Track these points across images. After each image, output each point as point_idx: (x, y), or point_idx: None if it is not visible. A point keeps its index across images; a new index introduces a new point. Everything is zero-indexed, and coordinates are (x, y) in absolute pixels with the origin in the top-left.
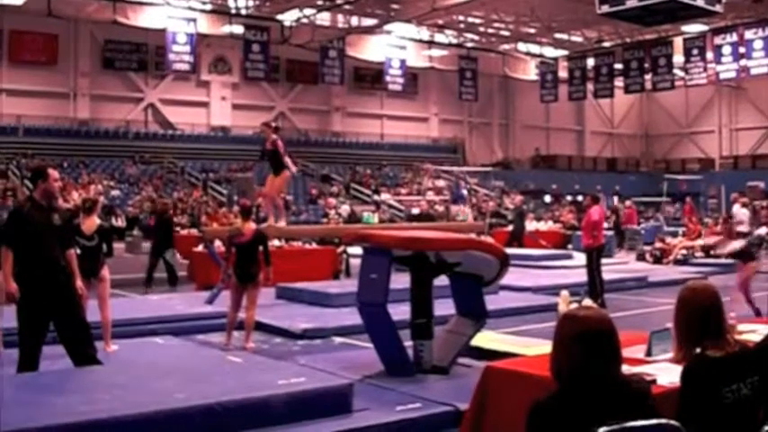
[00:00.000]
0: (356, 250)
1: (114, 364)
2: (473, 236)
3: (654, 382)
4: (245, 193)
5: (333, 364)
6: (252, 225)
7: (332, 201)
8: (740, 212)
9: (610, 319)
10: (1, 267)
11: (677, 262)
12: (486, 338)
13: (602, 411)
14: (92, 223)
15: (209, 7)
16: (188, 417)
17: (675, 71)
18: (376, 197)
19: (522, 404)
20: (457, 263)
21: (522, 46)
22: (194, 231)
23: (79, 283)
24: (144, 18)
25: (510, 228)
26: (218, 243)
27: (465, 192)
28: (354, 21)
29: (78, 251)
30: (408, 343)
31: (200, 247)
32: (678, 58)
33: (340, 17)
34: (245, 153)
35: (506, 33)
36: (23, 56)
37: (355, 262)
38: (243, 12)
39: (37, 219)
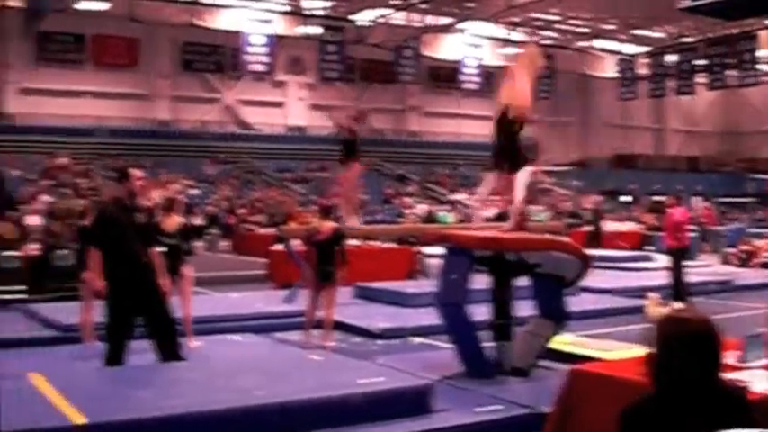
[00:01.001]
0: (432, 250)
1: (196, 360)
2: (552, 236)
3: (747, 389)
4: (324, 191)
5: (411, 363)
6: (330, 224)
7: (408, 200)
8: None
9: (714, 323)
10: (90, 266)
11: (764, 265)
12: (565, 341)
13: (699, 417)
14: (173, 221)
15: (284, 9)
16: (268, 414)
17: (761, 66)
18: (451, 197)
19: (611, 408)
20: (537, 263)
21: (600, 43)
22: (272, 231)
23: (163, 279)
24: (221, 20)
25: (587, 228)
26: (297, 242)
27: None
28: (429, 20)
29: (160, 249)
30: (488, 344)
31: (278, 246)
32: (764, 53)
33: (415, 16)
34: (322, 153)
35: (584, 30)
36: (106, 59)
37: (431, 262)
38: (318, 13)
39: (121, 218)
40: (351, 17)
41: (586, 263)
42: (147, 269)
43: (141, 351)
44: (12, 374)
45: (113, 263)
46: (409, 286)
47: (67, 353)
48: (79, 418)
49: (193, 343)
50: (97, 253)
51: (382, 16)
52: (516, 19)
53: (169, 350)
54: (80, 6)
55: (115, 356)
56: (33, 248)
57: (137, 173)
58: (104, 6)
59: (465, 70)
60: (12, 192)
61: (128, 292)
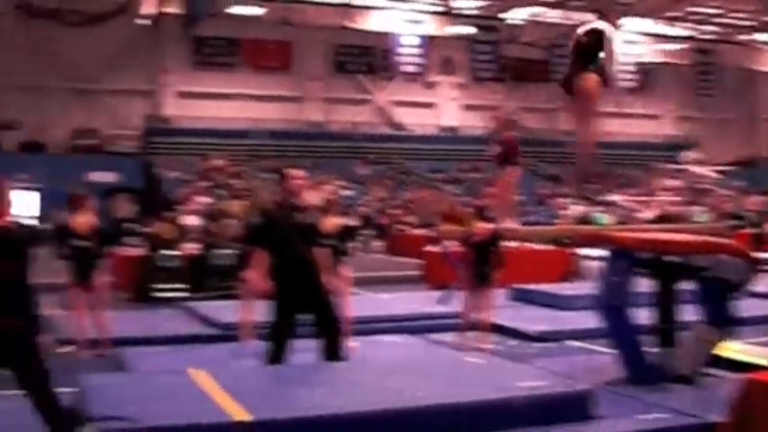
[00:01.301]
0: (590, 252)
1: (354, 360)
2: (717, 238)
3: None
4: (478, 192)
5: (570, 368)
6: (486, 225)
7: (562, 201)
8: None
9: None
10: (251, 266)
11: None
12: (733, 348)
13: None
14: (331, 222)
15: (436, 9)
16: (428, 415)
17: None
18: (607, 198)
19: None
20: (703, 267)
21: (763, 36)
22: (426, 231)
23: (327, 279)
24: (372, 22)
25: (751, 230)
26: (451, 243)
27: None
28: (584, 17)
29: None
30: (651, 349)
31: (433, 247)
32: None
33: (569, 14)
34: (475, 153)
35: (748, 23)
36: (260, 62)
37: (588, 264)
38: (469, 12)
39: (284, 219)
40: (502, 16)
41: (754, 266)
42: (312, 269)
43: (301, 350)
44: (174, 371)
45: (279, 263)
46: (566, 288)
47: (227, 350)
48: (243, 415)
49: (351, 343)
50: (263, 254)
51: (535, 14)
52: (675, 14)
53: (333, 350)
54: (234, 11)
55: (277, 355)
56: (192, 248)
57: (296, 173)
58: (258, 11)
59: (621, 68)
60: (169, 193)
61: (293, 291)
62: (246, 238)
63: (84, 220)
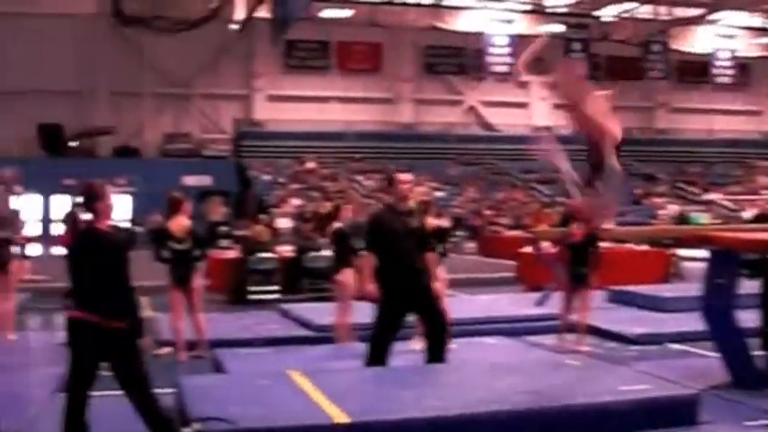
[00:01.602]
0: (690, 252)
1: (453, 362)
2: None
3: None
4: (572, 193)
5: (672, 371)
6: (582, 226)
7: (659, 201)
8: None
9: None
10: (360, 270)
11: None
12: None
13: None
14: (427, 224)
15: (526, 8)
16: (528, 418)
17: None
18: (705, 196)
19: None
20: None
21: None
22: (519, 233)
23: (438, 285)
24: (462, 22)
25: None
26: (546, 244)
27: None
28: (678, 12)
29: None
30: (758, 353)
31: (527, 249)
32: None
33: (662, 9)
34: (569, 153)
35: None
36: (350, 65)
37: (689, 265)
38: (561, 10)
39: (393, 223)
40: (594, 13)
41: None
42: (421, 273)
43: (397, 353)
44: (272, 372)
45: (386, 267)
46: (666, 290)
47: (324, 352)
48: (342, 417)
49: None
50: (370, 258)
51: (627, 11)
52: None
53: (438, 353)
54: (324, 14)
55: (378, 357)
56: (286, 250)
57: (404, 177)
58: (347, 13)
59: (717, 63)
60: (262, 196)
61: (401, 295)
62: (336, 240)
63: (181, 223)
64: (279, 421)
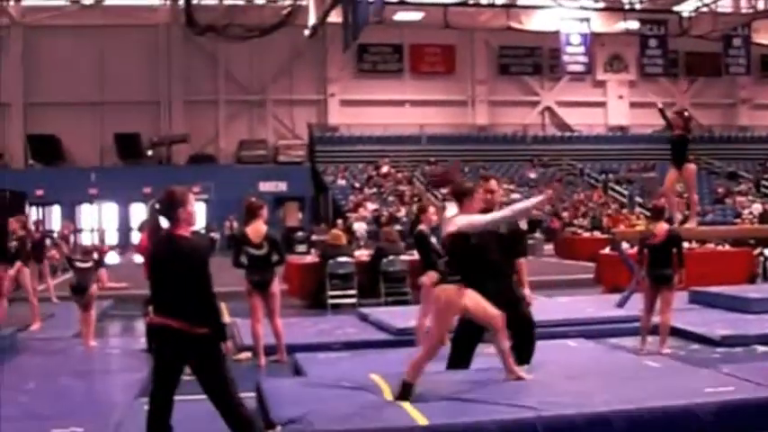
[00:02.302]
0: None
1: (534, 365)
2: None
3: None
4: (650, 193)
5: (759, 374)
6: (664, 225)
7: (742, 200)
8: None
9: None
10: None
11: None
12: None
13: None
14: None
15: (601, 5)
16: (610, 421)
17: None
18: None
19: None
20: None
21: None
22: (597, 234)
23: (528, 291)
24: (536, 22)
25: None
26: (625, 245)
27: None
28: (761, 4)
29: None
30: None
31: (607, 250)
32: None
33: (743, 2)
34: (645, 152)
35: None
36: (423, 67)
37: None
38: (637, 6)
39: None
40: (673, 8)
41: None
42: (508, 279)
43: (481, 355)
44: (352, 376)
45: (472, 272)
46: (751, 291)
47: (404, 356)
48: (421, 420)
49: None
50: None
51: (707, 5)
52: None
53: (525, 354)
54: (397, 17)
55: (460, 360)
56: (363, 254)
57: (490, 184)
58: (419, 16)
59: None
60: (338, 200)
61: (486, 298)
62: (417, 243)
63: (258, 228)
64: (359, 424)
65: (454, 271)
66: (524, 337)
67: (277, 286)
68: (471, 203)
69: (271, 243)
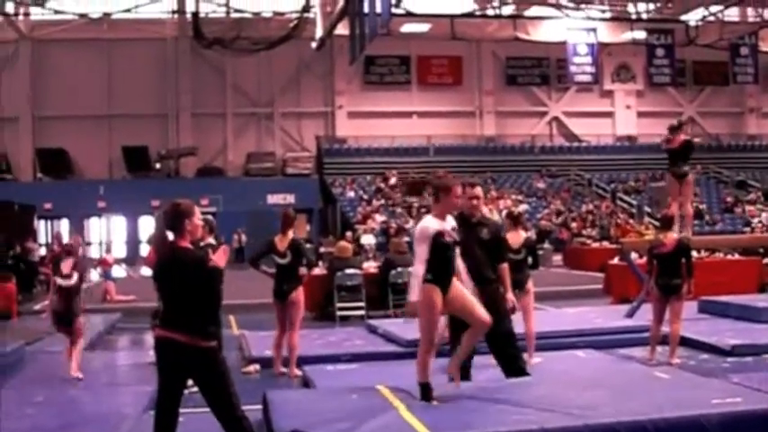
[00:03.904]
0: None
1: (538, 375)
2: None
3: None
4: (659, 203)
5: None
6: (673, 235)
7: (751, 208)
8: None
9: None
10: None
11: None
12: None
13: None
14: (518, 237)
15: (608, 15)
16: None
17: None
18: None
19: None
20: None
21: None
22: (605, 244)
23: (510, 296)
24: (543, 32)
25: None
26: (634, 255)
27: None
28: (767, 13)
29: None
30: None
31: (615, 260)
32: None
33: (750, 11)
34: (654, 162)
35: None
36: (430, 79)
37: None
38: (644, 16)
39: (463, 234)
40: (680, 18)
41: None
42: (491, 285)
43: (486, 366)
44: (360, 387)
45: (445, 273)
46: (761, 300)
47: (412, 368)
48: None
49: (534, 359)
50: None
51: (713, 14)
52: None
53: (511, 366)
54: (404, 29)
55: (462, 371)
56: (371, 266)
57: (478, 190)
58: (426, 28)
59: None
60: (346, 212)
61: None
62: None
63: (287, 236)
64: None
65: (430, 271)
66: (508, 349)
67: (299, 296)
68: (448, 199)
69: (294, 250)
